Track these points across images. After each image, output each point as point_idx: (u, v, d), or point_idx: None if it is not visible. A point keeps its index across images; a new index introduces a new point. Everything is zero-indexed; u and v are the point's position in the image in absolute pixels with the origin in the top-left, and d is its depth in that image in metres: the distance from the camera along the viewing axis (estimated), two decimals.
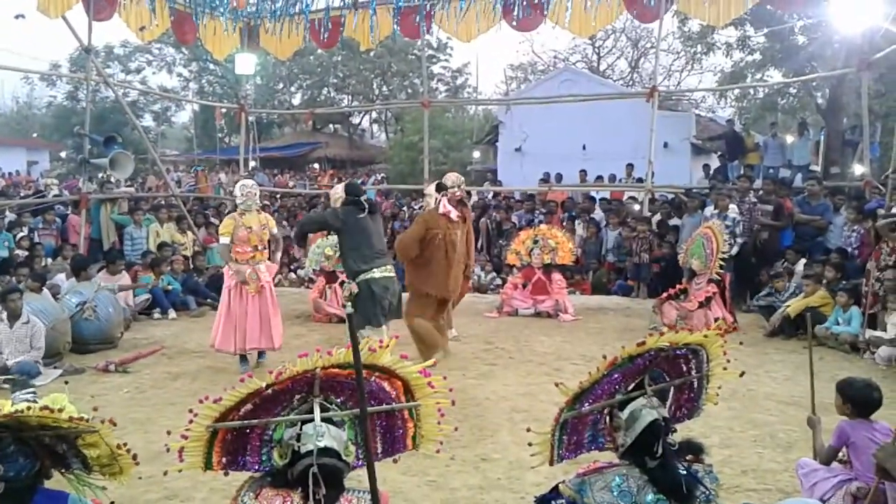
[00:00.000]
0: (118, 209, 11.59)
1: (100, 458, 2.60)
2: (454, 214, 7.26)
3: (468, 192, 15.75)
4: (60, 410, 2.39)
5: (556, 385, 2.75)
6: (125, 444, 2.63)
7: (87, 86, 12.32)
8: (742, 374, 3.17)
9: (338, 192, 7.14)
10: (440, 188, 7.46)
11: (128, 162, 11.23)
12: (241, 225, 6.92)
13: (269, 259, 7.20)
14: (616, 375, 2.75)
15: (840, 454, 3.83)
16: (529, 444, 2.81)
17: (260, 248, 7.00)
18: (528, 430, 2.85)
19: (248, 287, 6.86)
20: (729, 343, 2.98)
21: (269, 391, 2.54)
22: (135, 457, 2.66)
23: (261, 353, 7.21)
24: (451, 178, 7.68)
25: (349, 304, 6.30)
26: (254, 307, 6.91)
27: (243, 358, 7.04)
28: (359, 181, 25.21)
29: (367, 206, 6.65)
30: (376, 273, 6.42)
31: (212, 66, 34.40)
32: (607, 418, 2.83)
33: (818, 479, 3.75)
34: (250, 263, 6.92)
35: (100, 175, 13.24)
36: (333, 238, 9.46)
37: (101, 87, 20.79)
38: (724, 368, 3.01)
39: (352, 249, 6.56)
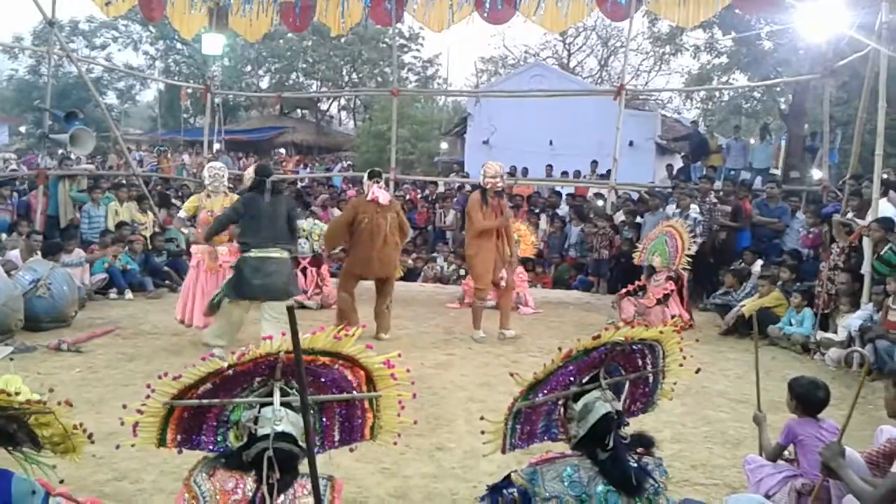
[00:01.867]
0: (77, 186, 11.38)
1: (51, 437, 2.56)
2: (382, 199, 7.77)
3: (434, 183, 15.91)
4: (17, 393, 2.36)
5: (511, 375, 2.77)
6: (81, 424, 2.60)
7: (49, 60, 12.07)
8: (698, 371, 3.23)
9: (249, 173, 7.50)
10: (371, 175, 7.97)
11: (88, 139, 11.02)
12: (205, 207, 7.39)
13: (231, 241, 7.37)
14: (571, 367, 2.78)
15: (787, 452, 3.92)
16: (482, 433, 2.84)
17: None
18: (482, 418, 2.88)
19: (206, 265, 7.37)
20: (685, 340, 3.03)
21: (230, 372, 2.52)
22: (90, 436, 2.64)
23: None
24: (494, 167, 7.90)
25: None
26: (209, 286, 7.29)
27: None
28: (325, 168, 25.20)
29: (270, 187, 6.73)
30: (252, 253, 6.55)
31: (179, 46, 33.88)
32: (562, 409, 2.87)
33: (764, 475, 3.83)
34: (212, 244, 7.27)
35: (59, 151, 12.99)
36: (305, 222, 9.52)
37: (65, 62, 20.36)
38: (681, 365, 3.06)
39: (244, 231, 6.72)
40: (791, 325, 8.14)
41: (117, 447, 2.82)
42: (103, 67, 30.52)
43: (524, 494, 2.70)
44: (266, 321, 6.57)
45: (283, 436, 2.46)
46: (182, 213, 7.80)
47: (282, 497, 2.43)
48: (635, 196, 13.12)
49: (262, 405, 2.54)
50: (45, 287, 7.71)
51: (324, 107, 37.77)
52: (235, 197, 7.42)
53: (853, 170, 9.38)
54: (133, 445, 2.60)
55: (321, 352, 2.59)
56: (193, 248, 7.72)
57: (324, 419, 2.82)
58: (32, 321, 7.56)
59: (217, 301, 6.73)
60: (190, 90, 19.05)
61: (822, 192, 10.71)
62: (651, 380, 3.15)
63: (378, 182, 8.03)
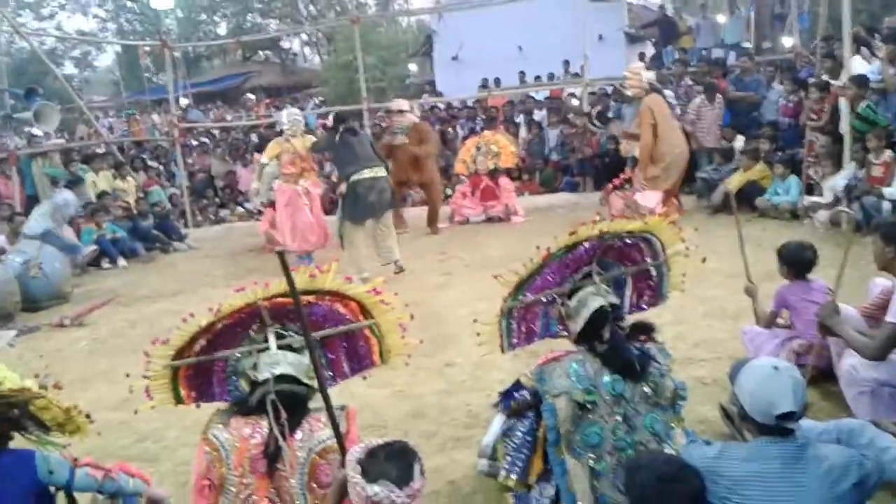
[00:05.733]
0: (50, 163, 11.22)
1: (55, 419, 2.61)
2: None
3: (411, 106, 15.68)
4: (1, 382, 2.39)
5: (495, 277, 2.83)
6: (76, 406, 2.64)
7: None
8: (704, 261, 3.27)
9: (329, 122, 8.16)
10: None
11: (53, 113, 10.87)
12: (288, 150, 8.10)
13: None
14: (554, 266, 2.85)
15: (781, 319, 4.00)
16: (478, 334, 2.90)
17: (306, 166, 8.22)
18: (475, 321, 2.97)
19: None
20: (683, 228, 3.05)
21: (220, 326, 2.59)
22: (88, 416, 2.68)
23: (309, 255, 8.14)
24: None
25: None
26: (298, 216, 8.13)
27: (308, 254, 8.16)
28: (297, 107, 24.86)
29: (347, 128, 7.50)
30: (363, 174, 7.13)
31: (129, 4, 32.96)
32: (560, 308, 2.93)
33: (762, 342, 3.94)
34: (298, 181, 8.14)
35: (26, 130, 12.78)
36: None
37: (15, 38, 19.79)
38: (686, 255, 3.07)
39: (342, 162, 7.40)
40: (778, 194, 8.19)
41: (136, 412, 2.89)
42: (55, 38, 29.70)
43: (535, 394, 2.79)
44: (381, 232, 7.32)
45: (282, 378, 2.51)
46: (264, 159, 8.26)
47: (299, 434, 2.48)
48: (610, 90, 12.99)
49: (261, 351, 2.60)
50: (36, 267, 7.68)
51: (286, 45, 36.94)
52: (310, 137, 8.26)
53: (823, 32, 9.24)
54: (153, 408, 2.71)
55: (302, 291, 2.61)
56: (278, 187, 8.29)
57: (329, 354, 2.87)
58: (31, 302, 7.58)
59: (340, 234, 7.33)
60: (147, 48, 18.56)
61: (795, 59, 10.62)
62: (654, 273, 3.19)
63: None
